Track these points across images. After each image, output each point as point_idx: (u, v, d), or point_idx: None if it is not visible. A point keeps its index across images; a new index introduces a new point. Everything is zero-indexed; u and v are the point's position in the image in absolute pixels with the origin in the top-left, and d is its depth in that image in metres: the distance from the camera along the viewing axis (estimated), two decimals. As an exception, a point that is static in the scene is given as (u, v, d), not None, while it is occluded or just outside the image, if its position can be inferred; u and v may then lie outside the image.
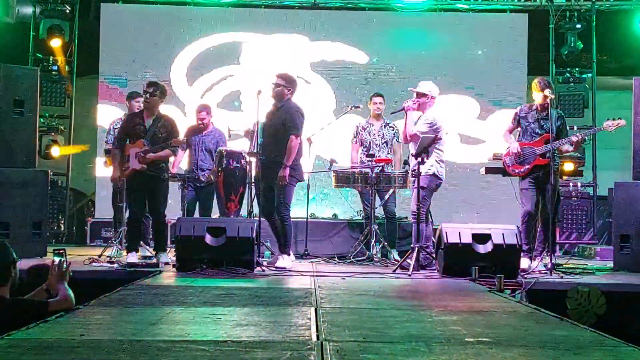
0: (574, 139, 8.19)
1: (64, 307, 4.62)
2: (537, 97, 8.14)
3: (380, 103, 9.69)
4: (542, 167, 8.02)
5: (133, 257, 8.03)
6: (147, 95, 8.21)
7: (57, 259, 4.88)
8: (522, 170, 8.12)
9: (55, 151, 11.73)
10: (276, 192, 8.16)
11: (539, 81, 8.21)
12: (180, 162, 9.93)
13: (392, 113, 9.23)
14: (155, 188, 8.27)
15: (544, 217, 8.07)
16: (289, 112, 8.24)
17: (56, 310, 4.51)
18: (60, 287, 4.77)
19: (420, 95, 8.39)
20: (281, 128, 8.15)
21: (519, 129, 8.35)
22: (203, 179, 9.46)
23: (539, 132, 8.12)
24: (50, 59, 12.11)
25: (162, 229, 8.44)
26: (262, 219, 8.29)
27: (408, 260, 7.76)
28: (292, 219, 10.64)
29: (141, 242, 9.14)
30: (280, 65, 12.36)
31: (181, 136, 8.68)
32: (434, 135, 8.12)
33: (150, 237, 9.55)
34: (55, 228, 12.27)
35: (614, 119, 8.18)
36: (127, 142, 8.26)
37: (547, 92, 8.01)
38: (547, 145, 7.94)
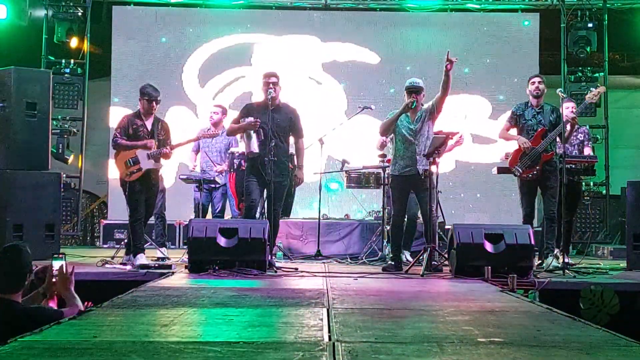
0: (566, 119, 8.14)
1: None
2: (528, 91, 8.37)
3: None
4: (548, 163, 8.07)
5: (143, 258, 8.06)
6: (155, 104, 8.25)
7: (57, 263, 4.84)
8: (534, 172, 8.11)
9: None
10: (280, 192, 8.12)
11: (530, 77, 8.48)
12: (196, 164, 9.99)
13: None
14: (154, 190, 8.40)
15: (550, 216, 8.08)
16: (295, 115, 8.28)
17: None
18: (68, 294, 4.78)
19: (421, 91, 8.23)
20: (286, 128, 8.15)
21: (516, 128, 8.36)
22: (219, 181, 9.50)
23: (536, 127, 8.17)
24: (63, 62, 12.18)
25: (143, 231, 8.46)
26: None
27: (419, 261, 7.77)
28: (305, 220, 10.72)
29: (154, 244, 9.22)
30: (292, 66, 12.44)
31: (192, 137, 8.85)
32: (444, 136, 8.09)
33: (166, 237, 9.63)
34: (71, 230, 12.34)
35: (594, 89, 8.26)
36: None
37: (530, 83, 8.29)
38: (544, 141, 8.06)
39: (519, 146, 8.16)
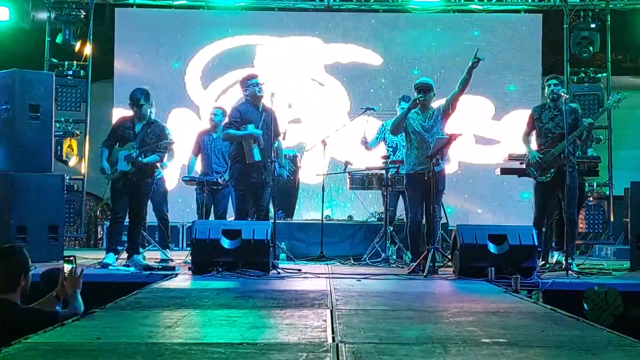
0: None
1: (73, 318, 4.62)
2: (546, 94, 8.27)
3: None
4: (564, 166, 8.03)
5: (112, 258, 8.10)
6: (136, 108, 8.23)
7: (67, 266, 4.87)
8: (548, 175, 8.07)
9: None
10: (270, 192, 8.17)
11: (547, 78, 8.36)
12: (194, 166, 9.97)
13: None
14: (139, 192, 8.29)
15: (570, 218, 8.00)
16: (275, 114, 8.37)
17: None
18: (72, 296, 4.78)
19: (430, 89, 8.20)
20: (270, 130, 8.20)
21: (534, 130, 8.31)
22: (221, 182, 9.48)
23: (554, 130, 8.09)
24: (66, 64, 12.19)
25: (139, 232, 8.46)
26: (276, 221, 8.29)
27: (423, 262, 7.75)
28: (308, 221, 10.73)
29: (157, 245, 9.23)
30: (295, 67, 12.45)
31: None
32: (448, 137, 8.05)
33: (169, 239, 9.62)
34: (75, 232, 12.36)
35: (616, 94, 8.17)
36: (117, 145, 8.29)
37: (546, 86, 8.18)
38: (562, 144, 7.93)
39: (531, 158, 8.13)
